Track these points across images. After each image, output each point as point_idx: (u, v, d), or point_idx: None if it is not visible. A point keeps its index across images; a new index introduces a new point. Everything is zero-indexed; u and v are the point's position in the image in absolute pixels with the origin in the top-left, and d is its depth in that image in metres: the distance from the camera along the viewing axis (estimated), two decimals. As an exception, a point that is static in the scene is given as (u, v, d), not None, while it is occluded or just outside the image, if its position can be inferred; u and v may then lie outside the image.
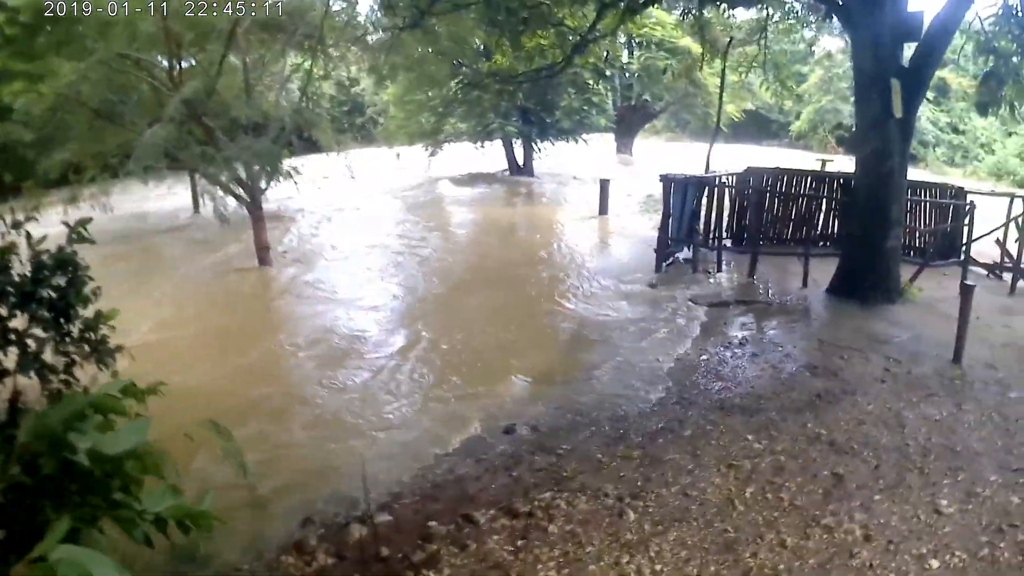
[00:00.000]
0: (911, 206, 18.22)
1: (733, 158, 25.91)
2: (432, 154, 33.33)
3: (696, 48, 24.08)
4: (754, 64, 22.56)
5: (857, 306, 13.50)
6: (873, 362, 10.68)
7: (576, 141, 34.59)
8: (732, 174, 18.87)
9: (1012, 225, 16.02)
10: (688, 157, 27.96)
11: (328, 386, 10.42)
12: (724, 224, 18.44)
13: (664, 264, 16.71)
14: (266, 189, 16.40)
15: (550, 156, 35.32)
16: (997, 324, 12.82)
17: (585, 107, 33.10)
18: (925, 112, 48.42)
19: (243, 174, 15.88)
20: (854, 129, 14.31)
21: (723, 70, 20.67)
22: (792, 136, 53.01)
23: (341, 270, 17.35)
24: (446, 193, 30.00)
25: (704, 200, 17.03)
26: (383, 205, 26.65)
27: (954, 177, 44.58)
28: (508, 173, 34.71)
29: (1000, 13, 13.91)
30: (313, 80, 19.29)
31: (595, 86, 32.80)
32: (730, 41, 20.70)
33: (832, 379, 10.02)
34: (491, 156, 35.19)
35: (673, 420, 8.80)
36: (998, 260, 16.63)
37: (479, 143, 34.26)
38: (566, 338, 12.68)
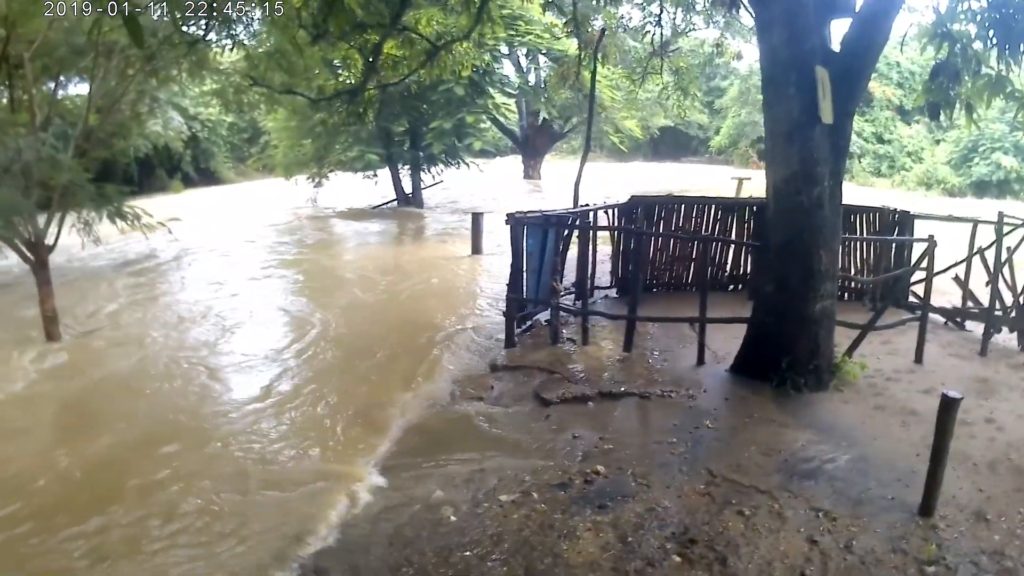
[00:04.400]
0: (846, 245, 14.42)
1: (643, 180, 22.19)
2: (317, 185, 31.14)
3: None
4: (651, 71, 18.74)
5: (771, 397, 9.50)
6: (790, 524, 6.54)
7: (455, 165, 31.38)
8: (612, 207, 14.57)
9: (977, 260, 12.40)
10: (603, 178, 25.41)
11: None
12: (596, 275, 14.38)
13: (519, 332, 12.52)
14: (53, 245, 12.85)
15: (449, 184, 33.03)
16: (975, 416, 8.86)
17: (465, 128, 28.99)
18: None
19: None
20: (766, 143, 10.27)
21: (593, 71, 16.54)
22: (712, 152, 51.10)
23: (147, 355, 12.32)
24: (317, 232, 26.44)
25: (574, 245, 12.84)
26: (248, 248, 22.63)
27: (881, 188, 43.13)
28: (397, 205, 31.82)
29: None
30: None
31: (475, 104, 28.79)
32: (602, 32, 16.62)
33: (716, 570, 5.94)
34: (385, 186, 32.38)
35: None
36: (959, 305, 13.07)
37: (365, 172, 31.46)
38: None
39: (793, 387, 9.46)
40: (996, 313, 11.97)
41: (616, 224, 14.38)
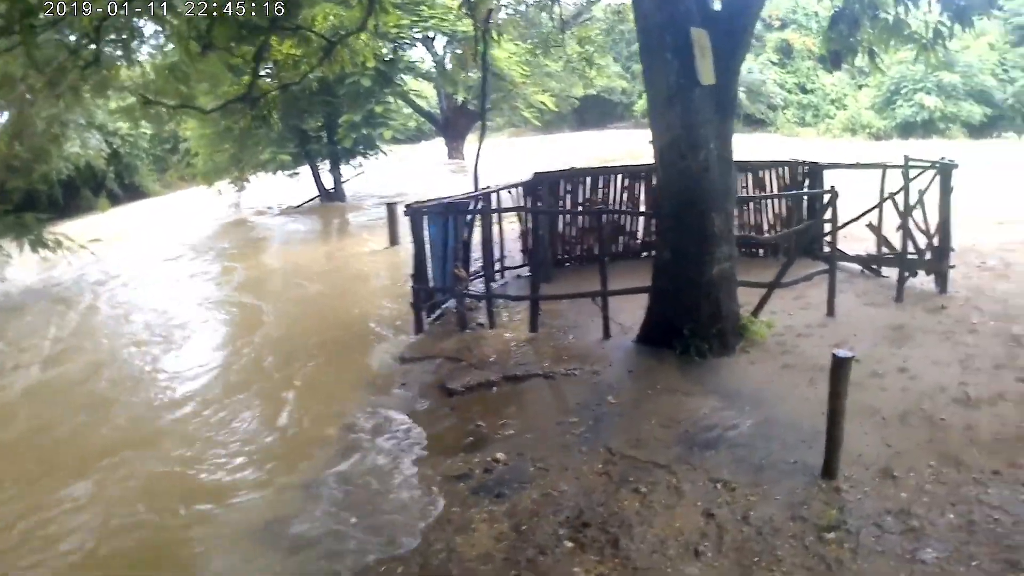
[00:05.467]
0: (752, 205, 14.28)
1: (567, 150, 21.76)
2: (240, 189, 30.31)
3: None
4: (554, 43, 18.33)
5: (676, 365, 9.25)
6: (687, 498, 6.35)
7: (372, 156, 30.74)
8: (514, 185, 14.16)
9: (889, 204, 12.20)
10: (529, 152, 24.93)
11: None
12: (505, 255, 14.27)
13: (429, 320, 12.27)
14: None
15: (375, 174, 32.07)
16: (888, 366, 8.76)
17: (375, 119, 28.42)
18: (771, 75, 47.40)
19: None
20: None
21: (484, 50, 16.04)
22: (637, 116, 50.81)
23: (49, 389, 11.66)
24: (236, 239, 25.35)
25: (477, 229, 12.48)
26: (165, 265, 21.46)
27: (807, 137, 43.29)
28: (320, 201, 30.97)
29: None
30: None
31: (383, 93, 28.19)
32: (489, 11, 16.15)
33: (608, 554, 5.69)
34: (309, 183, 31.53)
35: None
36: (875, 251, 12.89)
37: (286, 172, 30.65)
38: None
39: (697, 353, 9.25)
40: (911, 257, 11.81)
41: (522, 203, 13.98)
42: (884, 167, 12.48)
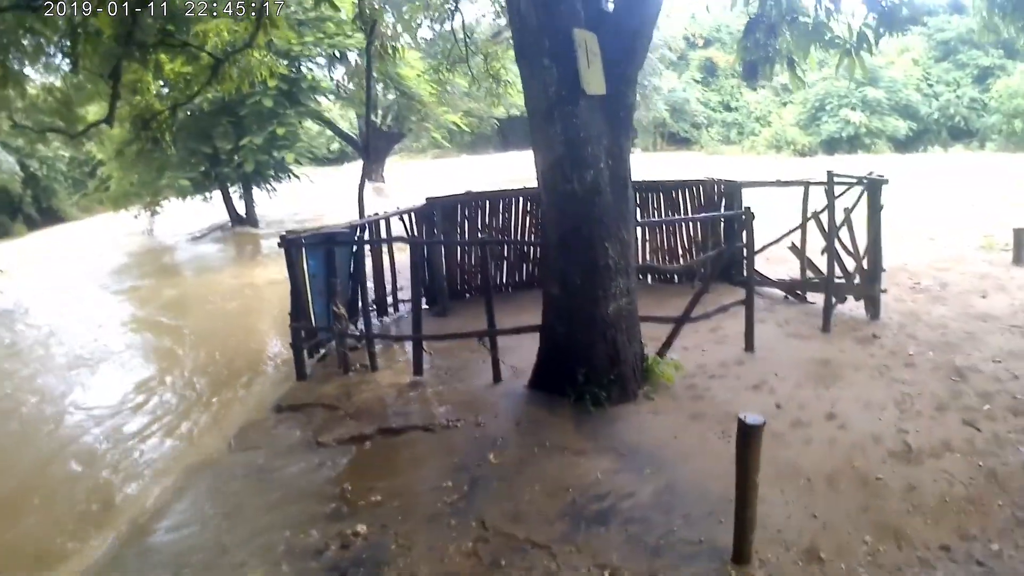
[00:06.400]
0: (666, 229, 13.22)
1: (486, 172, 20.69)
2: (153, 214, 29.11)
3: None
4: (457, 59, 17.11)
5: (569, 416, 7.94)
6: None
7: (283, 179, 29.20)
8: (407, 211, 12.73)
9: (813, 224, 11.24)
10: (449, 173, 23.95)
11: None
12: (394, 290, 12.99)
13: (316, 361, 10.87)
14: None
15: (291, 198, 31.20)
16: (814, 413, 7.64)
17: (277, 141, 26.72)
18: (695, 93, 47.56)
19: None
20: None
21: (368, 65, 14.74)
22: None
23: None
24: (141, 267, 24.03)
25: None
26: (54, 295, 19.93)
27: (732, 155, 43.12)
28: (231, 226, 29.79)
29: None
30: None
31: (287, 116, 26.70)
32: (373, 24, 14.78)
33: None
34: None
35: None
36: (798, 276, 11.88)
37: (200, 196, 29.16)
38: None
39: (593, 402, 7.92)
40: (838, 281, 10.75)
41: (414, 231, 12.69)
42: (807, 184, 11.42)
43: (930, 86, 45.22)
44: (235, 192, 29.47)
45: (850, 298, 11.05)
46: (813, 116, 45.25)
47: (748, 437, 4.87)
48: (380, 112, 34.24)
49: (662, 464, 6.73)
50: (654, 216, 13.23)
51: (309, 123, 33.59)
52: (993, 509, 5.73)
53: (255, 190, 29.13)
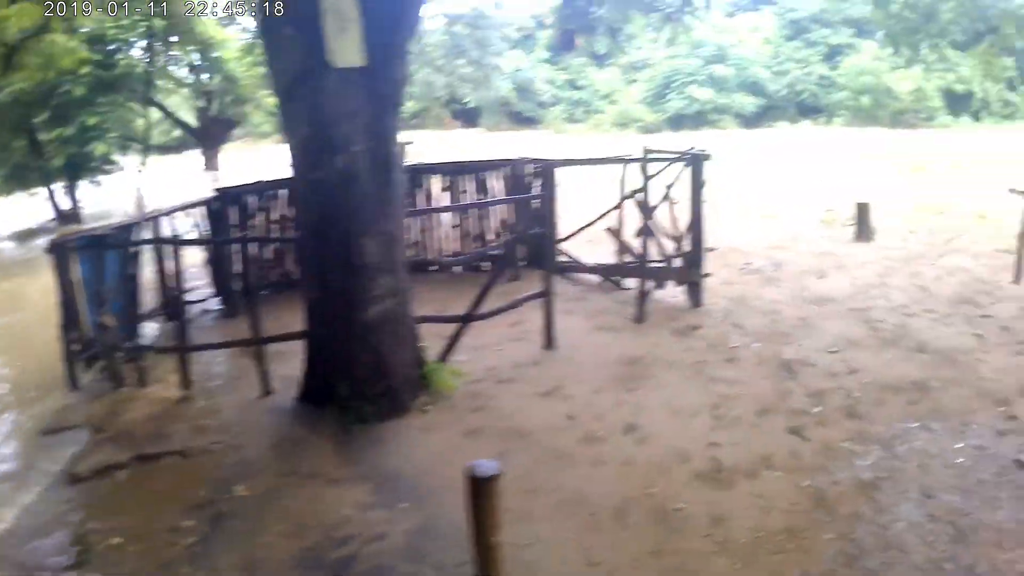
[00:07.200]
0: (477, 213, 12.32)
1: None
2: None
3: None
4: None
5: (331, 435, 6.85)
6: None
7: (108, 172, 27.06)
8: (194, 205, 11.39)
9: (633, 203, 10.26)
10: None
11: None
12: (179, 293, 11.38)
13: (85, 377, 9.32)
14: None
15: (124, 189, 27.28)
16: (611, 424, 6.73)
17: (88, 132, 24.84)
18: (542, 72, 47.26)
19: None
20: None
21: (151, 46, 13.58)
22: (406, 118, 49.42)
23: None
24: None
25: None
26: None
27: (576, 134, 42.75)
28: (57, 223, 26.61)
29: None
30: None
31: (101, 104, 24.86)
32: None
33: None
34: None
35: None
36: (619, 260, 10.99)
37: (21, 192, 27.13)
38: None
39: (357, 418, 6.86)
40: (655, 265, 9.97)
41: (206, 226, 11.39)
42: (624, 161, 10.57)
43: (780, 63, 45.87)
44: (63, 187, 27.23)
45: (672, 284, 10.33)
46: (659, 94, 45.41)
47: (480, 492, 3.86)
48: (206, 97, 33.03)
49: (422, 497, 5.69)
50: (465, 200, 12.16)
51: (153, 110, 32.15)
52: (818, 544, 4.80)
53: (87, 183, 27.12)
